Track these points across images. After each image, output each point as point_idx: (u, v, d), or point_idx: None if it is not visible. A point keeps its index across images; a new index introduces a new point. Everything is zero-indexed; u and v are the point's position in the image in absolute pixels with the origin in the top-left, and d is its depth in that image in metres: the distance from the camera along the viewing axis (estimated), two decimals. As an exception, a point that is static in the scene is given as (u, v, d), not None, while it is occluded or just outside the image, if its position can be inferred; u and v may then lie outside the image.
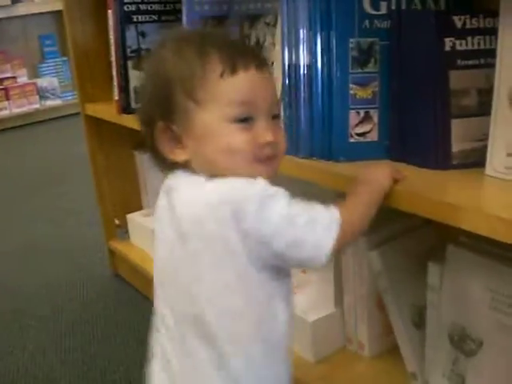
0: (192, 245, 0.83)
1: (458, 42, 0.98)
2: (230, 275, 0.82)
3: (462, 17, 0.98)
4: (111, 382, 1.61)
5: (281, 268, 0.87)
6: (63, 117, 4.85)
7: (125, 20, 1.65)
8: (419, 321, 1.24)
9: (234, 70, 0.84)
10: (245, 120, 0.84)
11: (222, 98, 0.84)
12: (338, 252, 0.85)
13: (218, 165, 0.84)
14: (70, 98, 5.04)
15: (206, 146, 0.85)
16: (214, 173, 0.84)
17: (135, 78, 1.67)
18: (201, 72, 0.84)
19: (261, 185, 0.82)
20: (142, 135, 0.91)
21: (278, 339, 0.89)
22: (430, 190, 0.93)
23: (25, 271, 2.34)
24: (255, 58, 0.88)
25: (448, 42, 0.98)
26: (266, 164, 0.86)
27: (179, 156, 0.87)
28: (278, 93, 1.07)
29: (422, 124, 1.02)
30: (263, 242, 0.81)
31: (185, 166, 0.88)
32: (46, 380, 1.66)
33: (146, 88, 0.90)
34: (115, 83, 1.70)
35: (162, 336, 0.91)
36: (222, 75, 0.83)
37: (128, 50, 1.67)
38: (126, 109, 1.69)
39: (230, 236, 0.80)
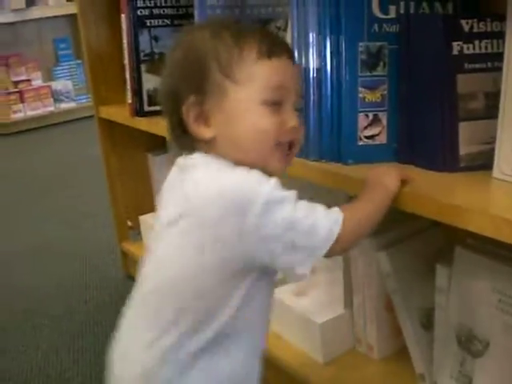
0: (188, 222, 0.85)
1: (465, 45, 1.00)
2: (212, 260, 0.85)
3: (470, 21, 0.99)
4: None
5: (267, 270, 0.90)
6: (77, 119, 4.88)
7: (138, 24, 1.67)
8: (427, 322, 1.24)
9: (270, 55, 0.87)
10: (275, 104, 0.87)
11: (257, 80, 0.86)
12: (340, 254, 0.89)
13: (243, 145, 0.87)
14: (84, 100, 5.07)
15: (235, 125, 0.87)
16: (236, 153, 0.87)
17: (148, 81, 1.69)
18: (238, 52, 0.86)
19: (271, 186, 0.83)
20: (165, 111, 0.93)
21: (239, 331, 0.91)
22: (438, 192, 0.94)
23: (38, 272, 2.36)
24: (288, 48, 0.92)
25: (456, 46, 0.99)
26: (284, 153, 0.90)
27: (205, 133, 0.88)
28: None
29: (429, 127, 1.04)
30: (261, 242, 0.83)
31: (207, 145, 0.89)
32: (59, 379, 1.68)
33: (178, 63, 0.90)
34: (128, 86, 1.72)
35: (130, 309, 0.97)
36: (258, 58, 0.86)
37: (141, 54, 1.69)
38: (139, 112, 1.71)
39: (227, 228, 0.82)
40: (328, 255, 0.86)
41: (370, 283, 1.33)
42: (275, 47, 0.88)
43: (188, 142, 0.91)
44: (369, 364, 1.38)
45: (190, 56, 0.88)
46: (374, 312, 1.35)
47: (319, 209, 0.86)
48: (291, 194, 0.85)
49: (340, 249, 0.87)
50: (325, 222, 0.85)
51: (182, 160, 0.93)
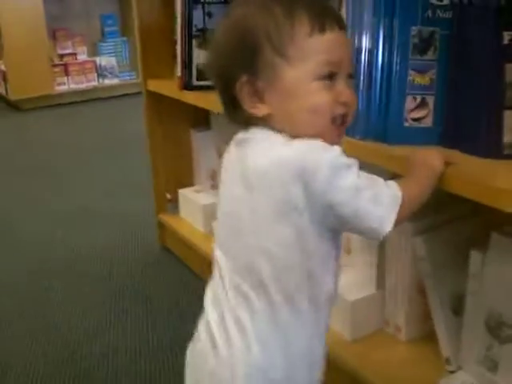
0: (256, 196, 0.86)
1: (516, 36, 1.02)
2: (289, 231, 0.85)
3: (523, 12, 1.01)
4: (155, 343, 1.68)
5: (338, 231, 0.90)
6: (119, 96, 4.96)
7: (193, 0, 1.70)
8: (458, 308, 1.27)
9: (322, 29, 0.86)
10: (329, 78, 0.87)
11: (311, 56, 0.86)
12: (399, 224, 0.87)
13: (299, 121, 0.87)
14: (127, 77, 5.15)
15: (290, 102, 0.87)
16: (292, 128, 0.87)
17: (198, 56, 1.72)
18: (290, 29, 0.85)
19: (336, 152, 0.84)
20: (217, 88, 0.93)
21: (321, 304, 0.91)
22: (480, 175, 0.97)
23: (79, 235, 2.44)
24: (339, 18, 0.90)
25: (506, 36, 1.01)
26: (338, 127, 0.90)
27: (260, 110, 0.88)
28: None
29: (475, 113, 1.05)
30: (328, 207, 0.83)
31: (263, 121, 0.89)
32: (96, 334, 1.75)
33: (229, 41, 0.89)
34: (179, 60, 1.76)
35: (217, 285, 0.93)
36: (311, 33, 0.85)
37: (194, 29, 1.72)
38: (187, 85, 1.74)
39: (295, 195, 0.83)
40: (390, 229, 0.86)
41: (404, 266, 1.35)
42: (327, 20, 0.87)
43: (242, 118, 0.91)
44: (396, 345, 1.41)
45: (241, 34, 0.87)
46: (405, 295, 1.37)
47: (380, 179, 0.88)
48: (355, 161, 0.85)
49: (401, 219, 0.87)
50: (387, 190, 0.86)
51: (240, 135, 0.93)
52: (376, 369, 1.32)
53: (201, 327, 0.95)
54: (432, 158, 0.98)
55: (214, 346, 0.90)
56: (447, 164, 0.98)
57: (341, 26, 0.89)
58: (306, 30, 0.85)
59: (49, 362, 1.63)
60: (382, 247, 1.39)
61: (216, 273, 0.94)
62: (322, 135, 0.87)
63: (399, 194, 0.87)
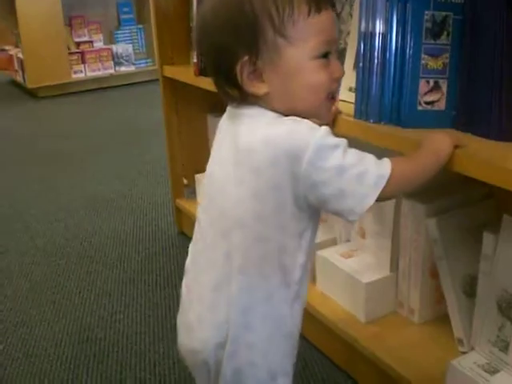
0: (242, 172, 0.90)
1: (529, 19, 1.02)
2: (268, 207, 0.89)
3: (535, -5, 1.02)
4: (170, 327, 1.70)
5: (316, 211, 0.94)
6: (136, 83, 4.99)
7: (209, -14, 1.72)
8: (470, 290, 1.28)
9: (319, 9, 0.89)
10: (325, 56, 0.92)
11: (310, 37, 0.90)
12: (383, 201, 0.92)
13: (298, 99, 0.91)
14: (143, 65, 5.19)
15: (290, 81, 0.91)
16: (290, 106, 0.91)
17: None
18: (290, 10, 0.88)
19: (321, 133, 0.87)
20: (212, 65, 0.96)
21: (294, 278, 0.95)
22: (491, 157, 0.98)
23: (95, 221, 2.47)
24: None
25: (519, 19, 1.02)
26: (331, 101, 0.96)
27: (260, 89, 0.91)
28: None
29: (488, 97, 1.06)
30: (311, 186, 0.87)
31: (259, 99, 0.92)
32: (110, 320, 1.77)
33: (229, 20, 0.90)
34: (194, 46, 1.78)
35: (197, 248, 1.01)
36: (309, 14, 0.89)
37: (210, 15, 1.73)
38: (203, 71, 1.76)
39: (280, 173, 0.87)
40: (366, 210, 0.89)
41: (417, 248, 1.37)
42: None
43: (238, 95, 0.93)
44: (409, 326, 1.43)
45: (242, 16, 0.89)
46: (419, 277, 1.39)
47: (369, 157, 0.90)
48: (342, 141, 0.88)
49: (385, 197, 0.90)
50: (374, 169, 0.88)
51: (233, 110, 0.97)
52: (390, 350, 1.34)
53: (183, 285, 1.04)
54: (440, 141, 1.00)
55: (190, 304, 0.99)
56: (458, 147, 1.00)
57: (332, 3, 0.93)
58: (305, 11, 0.89)
59: (67, 345, 1.66)
60: (396, 229, 1.41)
61: (197, 235, 1.01)
62: (319, 111, 0.93)
63: (387, 172, 0.88)
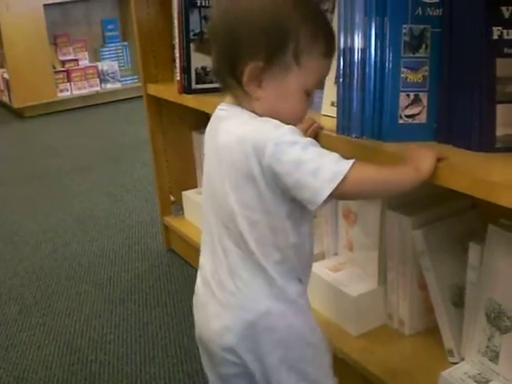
0: (224, 168, 0.99)
1: (505, 31, 1.03)
2: (250, 195, 0.97)
3: (510, 7, 1.02)
4: (161, 347, 1.70)
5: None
6: (122, 100, 4.98)
7: (189, 4, 1.72)
8: (459, 300, 1.28)
9: (330, 55, 1.01)
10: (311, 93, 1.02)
11: (314, 73, 0.99)
12: (340, 199, 1.05)
13: (278, 116, 0.97)
14: (129, 82, 5.17)
15: (281, 101, 0.99)
16: (269, 115, 0.98)
17: (197, 59, 1.74)
18: (313, 44, 0.96)
19: (284, 131, 0.94)
20: (221, 51, 1.00)
21: (290, 255, 1.02)
22: (472, 168, 0.98)
23: (83, 241, 2.46)
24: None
25: (496, 31, 1.03)
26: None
27: (254, 92, 0.98)
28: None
29: (468, 108, 1.07)
30: (275, 176, 0.94)
31: (246, 98, 0.99)
32: (100, 341, 1.76)
33: (258, 23, 0.95)
34: (177, 64, 1.78)
35: (207, 239, 1.07)
36: (324, 55, 0.99)
37: (191, 33, 1.74)
38: (186, 89, 1.76)
39: (252, 166, 0.94)
40: (329, 198, 0.92)
41: (405, 261, 1.37)
42: (334, 47, 1.02)
43: (232, 86, 1.00)
44: (399, 339, 1.42)
45: (277, 23, 0.95)
46: (407, 289, 1.39)
47: (332, 155, 0.93)
48: (305, 139, 0.94)
49: (340, 195, 0.93)
50: (332, 165, 0.91)
51: (218, 112, 1.05)
52: (380, 363, 1.33)
53: (198, 280, 1.10)
54: (423, 158, 1.00)
55: (213, 294, 1.04)
56: (439, 160, 1.00)
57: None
58: (323, 50, 0.98)
59: (57, 368, 1.65)
60: (383, 241, 1.41)
61: (206, 228, 1.08)
62: (294, 124, 0.99)
63: (344, 169, 0.91)
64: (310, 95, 1.01)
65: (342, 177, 0.90)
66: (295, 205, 0.97)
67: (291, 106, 1.00)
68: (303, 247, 1.04)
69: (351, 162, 0.92)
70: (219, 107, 1.05)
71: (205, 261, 1.08)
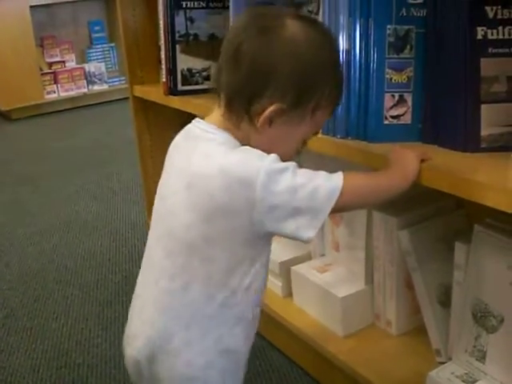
0: (194, 196, 0.92)
1: (489, 31, 1.03)
2: (218, 231, 0.91)
3: (494, 7, 1.03)
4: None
5: (268, 240, 0.97)
6: (109, 102, 4.96)
7: (174, 5, 1.72)
8: (445, 300, 1.29)
9: (337, 106, 1.01)
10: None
11: (317, 126, 1.00)
12: (338, 212, 0.98)
13: (270, 152, 0.92)
14: (116, 83, 5.15)
15: (281, 143, 0.96)
16: (264, 151, 0.92)
17: (182, 61, 1.74)
18: (334, 98, 0.98)
19: (270, 159, 0.89)
20: (242, 78, 0.93)
21: (239, 295, 0.96)
22: (457, 169, 0.98)
23: (70, 244, 2.45)
24: None
25: (480, 31, 1.03)
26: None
27: (262, 129, 0.94)
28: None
29: (453, 108, 1.07)
30: (269, 209, 0.88)
31: (244, 129, 0.95)
32: (88, 345, 1.75)
33: (299, 68, 0.92)
34: (163, 66, 1.77)
35: (145, 264, 1.04)
36: (330, 113, 1.00)
37: (176, 35, 1.73)
38: (172, 90, 1.76)
39: (234, 200, 0.89)
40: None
41: (391, 261, 1.37)
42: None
43: (236, 110, 0.94)
44: (387, 339, 1.43)
45: (313, 73, 0.93)
46: (394, 289, 1.39)
47: (320, 173, 0.92)
48: (290, 164, 0.90)
49: (339, 209, 0.92)
50: (326, 184, 0.90)
51: (192, 130, 1.00)
52: (368, 363, 1.34)
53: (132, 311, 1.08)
54: (408, 161, 1.01)
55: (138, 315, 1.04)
56: (424, 161, 1.01)
57: None
58: (331, 109, 0.99)
59: (45, 372, 1.64)
60: (369, 242, 1.41)
61: (147, 255, 1.04)
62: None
63: (339, 184, 0.90)
64: (305, 143, 1.01)
65: (338, 192, 0.90)
66: (264, 249, 0.97)
67: (288, 149, 0.98)
68: (256, 289, 0.99)
69: (340, 174, 0.91)
70: (197, 123, 1.00)
71: (140, 278, 1.06)
